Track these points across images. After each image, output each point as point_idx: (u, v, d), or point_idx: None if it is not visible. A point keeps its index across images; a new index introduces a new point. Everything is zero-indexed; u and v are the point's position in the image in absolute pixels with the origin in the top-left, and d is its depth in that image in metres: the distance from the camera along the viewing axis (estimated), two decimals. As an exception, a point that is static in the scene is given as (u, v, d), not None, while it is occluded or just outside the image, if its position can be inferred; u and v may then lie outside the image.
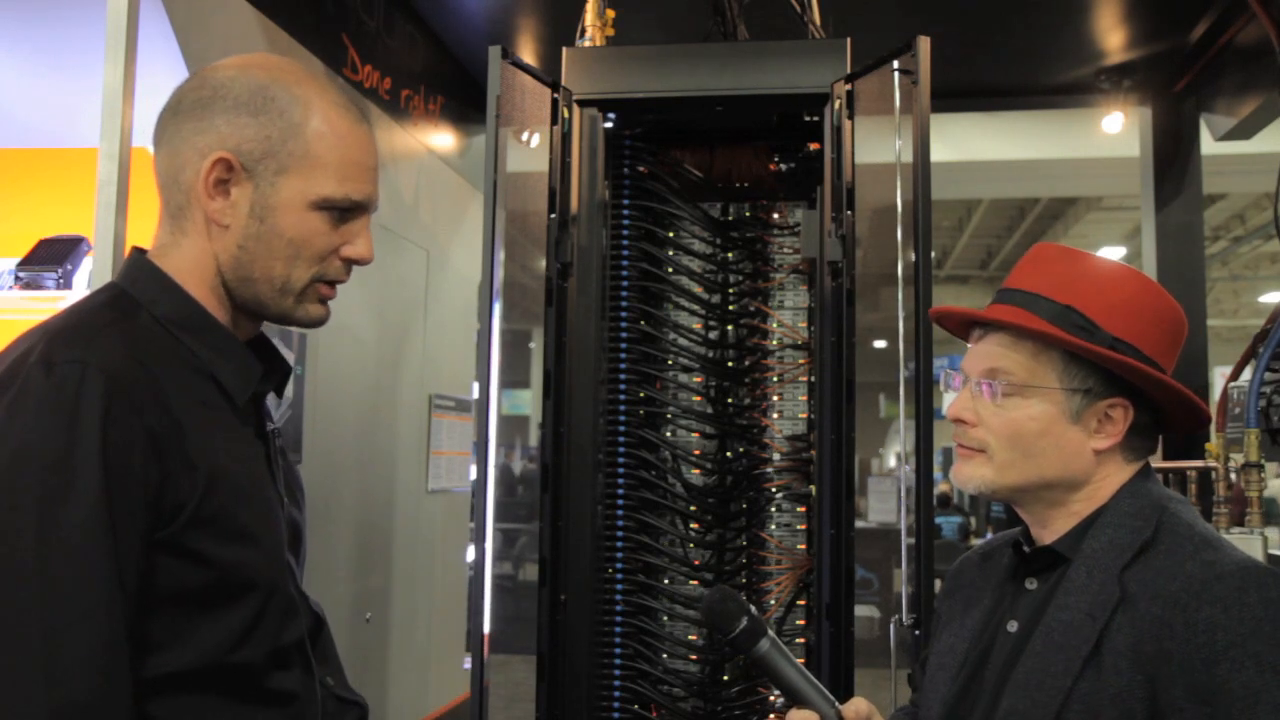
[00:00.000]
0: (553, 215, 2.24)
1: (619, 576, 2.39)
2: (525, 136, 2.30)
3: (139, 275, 1.16)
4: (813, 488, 2.32)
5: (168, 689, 1.04)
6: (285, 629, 1.13)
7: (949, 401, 1.28)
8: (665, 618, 2.40)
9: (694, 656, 2.36)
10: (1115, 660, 1.08)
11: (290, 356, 2.65)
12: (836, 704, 1.22)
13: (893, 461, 16.52)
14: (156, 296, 1.14)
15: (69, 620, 0.96)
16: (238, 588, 1.08)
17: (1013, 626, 1.20)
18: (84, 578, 0.97)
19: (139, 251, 1.19)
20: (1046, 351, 1.18)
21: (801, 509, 2.38)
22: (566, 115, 2.28)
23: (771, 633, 1.25)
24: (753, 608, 1.26)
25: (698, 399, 2.44)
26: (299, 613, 1.16)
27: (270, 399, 1.28)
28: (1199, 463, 2.64)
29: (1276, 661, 1.02)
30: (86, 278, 2.30)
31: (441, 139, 3.77)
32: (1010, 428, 1.19)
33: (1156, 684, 1.06)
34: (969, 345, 1.28)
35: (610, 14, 2.54)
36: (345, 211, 1.17)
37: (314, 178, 1.14)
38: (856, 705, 1.22)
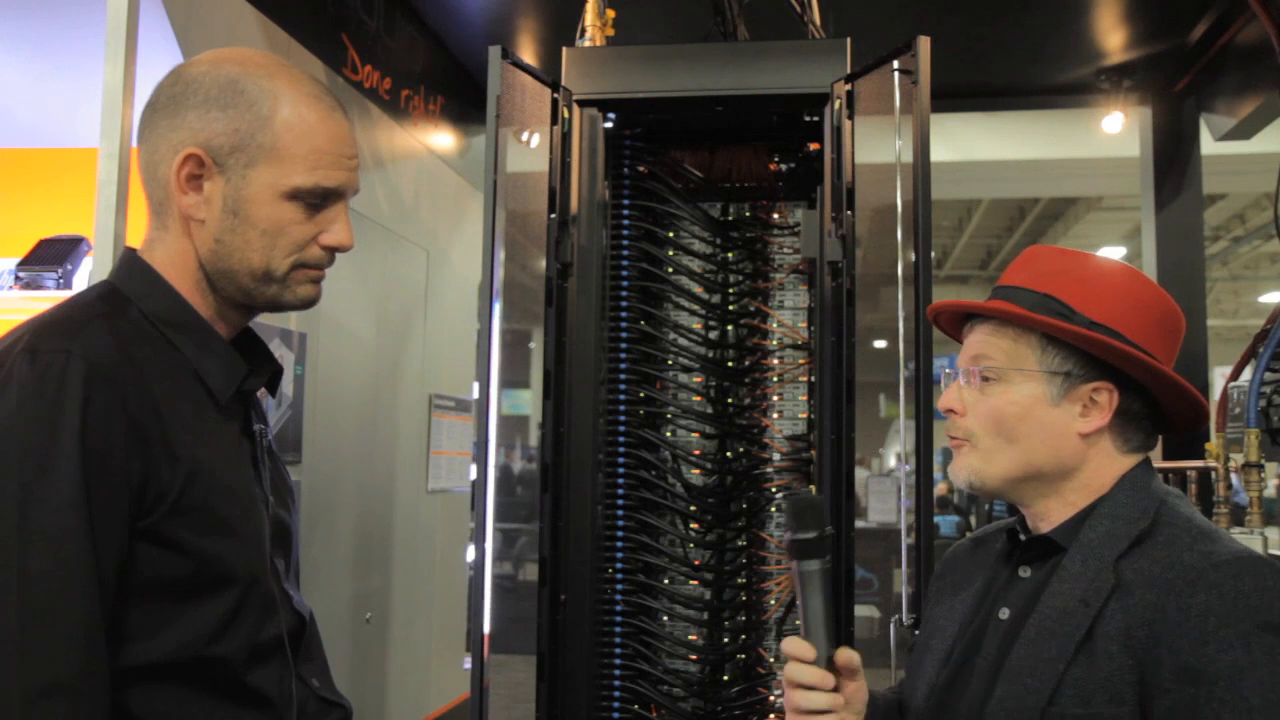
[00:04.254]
0: (553, 215, 2.24)
1: (619, 576, 2.39)
2: (525, 136, 2.30)
3: (130, 272, 1.18)
4: (813, 488, 2.32)
5: (144, 680, 1.05)
6: (263, 625, 1.14)
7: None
8: (665, 618, 2.40)
9: (694, 656, 2.36)
10: (1107, 645, 1.09)
11: (290, 356, 2.65)
12: (835, 649, 1.20)
13: (893, 461, 16.52)
14: (146, 293, 1.16)
15: (46, 604, 0.97)
16: (216, 580, 1.09)
17: (1004, 614, 1.21)
18: (61, 562, 0.98)
19: (130, 250, 1.21)
20: (1026, 336, 1.21)
21: (801, 509, 2.38)
22: (566, 115, 2.28)
23: (828, 562, 1.23)
24: (831, 529, 1.25)
25: (698, 399, 2.44)
26: (278, 610, 1.17)
27: (268, 401, 1.28)
28: (1199, 462, 2.65)
29: (1266, 643, 1.03)
30: (86, 278, 2.30)
31: (441, 139, 3.77)
32: (992, 413, 1.21)
33: (1145, 667, 1.07)
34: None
35: (610, 14, 2.54)
36: (319, 200, 1.17)
37: (283, 169, 1.15)
38: (849, 655, 1.20)
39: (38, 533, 0.98)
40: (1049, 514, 1.22)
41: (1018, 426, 1.20)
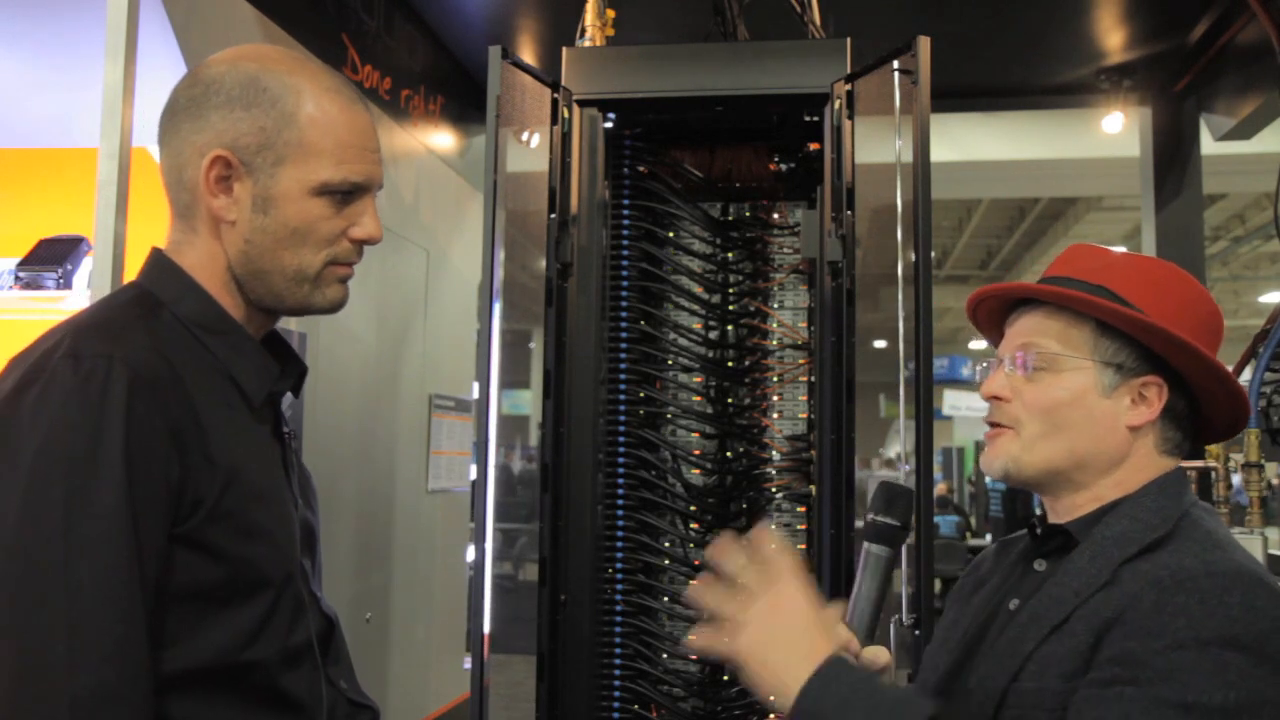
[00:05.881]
0: (553, 215, 2.24)
1: (619, 576, 2.39)
2: (525, 136, 2.30)
3: (161, 274, 1.17)
4: (813, 488, 2.32)
5: (180, 687, 1.05)
6: (295, 628, 1.14)
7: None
8: (665, 618, 2.40)
9: (694, 656, 2.36)
10: (1075, 625, 1.08)
11: (290, 356, 2.65)
12: (867, 644, 1.20)
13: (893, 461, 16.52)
14: (178, 296, 1.15)
15: (91, 611, 0.97)
16: (251, 585, 1.09)
17: (1014, 604, 1.20)
18: (107, 569, 0.98)
19: (159, 251, 1.20)
20: (1079, 325, 1.19)
21: (801, 509, 2.38)
22: (566, 115, 2.28)
23: (894, 556, 1.24)
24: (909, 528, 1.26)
25: (698, 399, 2.44)
26: (307, 613, 1.17)
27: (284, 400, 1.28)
28: (1199, 463, 2.64)
29: (1220, 657, 0.98)
30: (86, 278, 2.30)
31: (441, 139, 3.77)
32: (1042, 399, 1.18)
33: (1100, 645, 1.04)
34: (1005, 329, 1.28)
35: (610, 14, 2.54)
36: (347, 194, 1.17)
37: (311, 164, 1.14)
38: (877, 652, 1.20)
39: (84, 540, 0.98)
40: (1076, 509, 1.20)
41: (1068, 415, 1.17)
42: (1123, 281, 1.19)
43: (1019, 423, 1.20)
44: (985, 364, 1.28)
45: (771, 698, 1.05)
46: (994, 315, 1.31)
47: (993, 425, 1.24)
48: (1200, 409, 1.21)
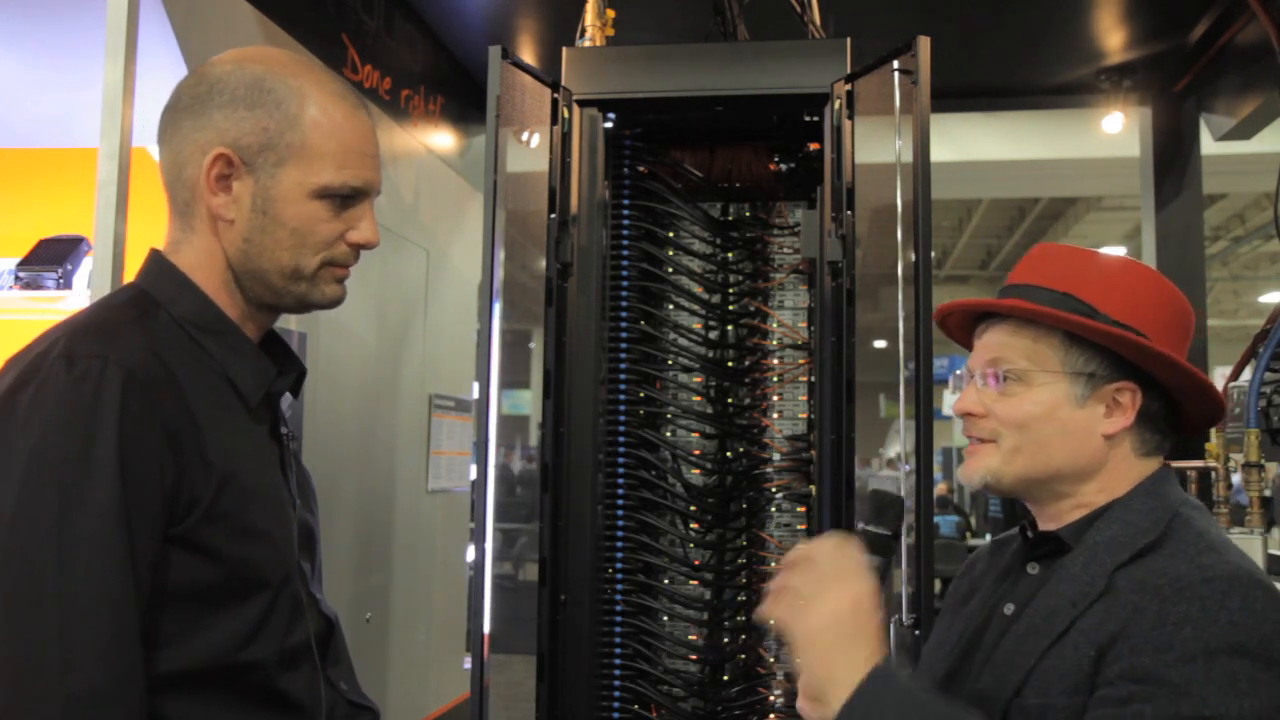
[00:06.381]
0: (553, 215, 2.24)
1: (619, 576, 2.39)
2: (525, 136, 2.30)
3: (158, 275, 1.18)
4: (813, 487, 2.32)
5: (177, 687, 1.05)
6: (293, 629, 1.14)
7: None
8: (665, 618, 2.40)
9: (694, 656, 2.36)
10: (1077, 639, 1.08)
11: (290, 356, 2.64)
12: None
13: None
14: (175, 296, 1.15)
15: (84, 611, 0.97)
16: (247, 585, 1.09)
17: (1009, 609, 1.20)
18: (100, 570, 0.98)
19: (157, 252, 1.20)
20: (1047, 337, 1.18)
21: (801, 509, 2.38)
22: (566, 115, 2.28)
23: (887, 564, 1.25)
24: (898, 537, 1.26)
25: (698, 399, 2.44)
26: (305, 614, 1.17)
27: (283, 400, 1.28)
28: (1199, 463, 2.64)
29: (1229, 666, 0.99)
30: (86, 278, 2.30)
31: (441, 139, 3.77)
32: (1016, 415, 1.18)
33: (1104, 660, 1.05)
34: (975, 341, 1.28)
35: (610, 14, 2.54)
36: (346, 199, 1.18)
37: (313, 167, 1.15)
38: None
39: (76, 541, 0.98)
40: (1061, 515, 1.21)
41: (1042, 429, 1.17)
42: (1089, 286, 1.19)
43: (997, 435, 1.20)
44: (958, 372, 1.28)
45: (801, 673, 1.05)
46: (963, 324, 1.31)
47: (972, 439, 1.24)
48: (1176, 406, 1.21)
